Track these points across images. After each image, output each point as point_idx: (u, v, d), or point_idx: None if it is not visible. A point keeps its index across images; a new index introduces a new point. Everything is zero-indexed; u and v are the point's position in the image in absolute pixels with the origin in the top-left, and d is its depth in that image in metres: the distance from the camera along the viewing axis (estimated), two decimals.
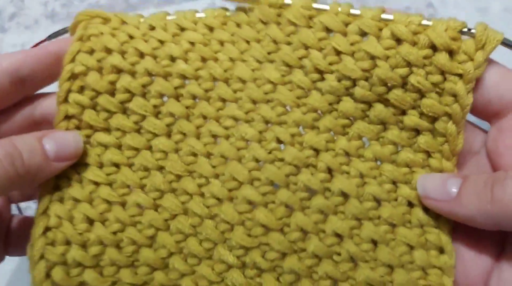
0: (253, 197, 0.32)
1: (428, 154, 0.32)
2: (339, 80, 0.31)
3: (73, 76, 0.32)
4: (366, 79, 0.31)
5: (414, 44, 0.30)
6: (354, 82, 0.31)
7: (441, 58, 0.30)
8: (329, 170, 0.32)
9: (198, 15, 0.34)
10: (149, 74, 0.33)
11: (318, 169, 0.32)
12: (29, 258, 0.32)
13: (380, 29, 0.31)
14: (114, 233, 0.32)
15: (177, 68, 0.32)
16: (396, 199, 0.32)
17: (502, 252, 0.31)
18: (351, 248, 0.32)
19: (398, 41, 0.30)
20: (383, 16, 0.31)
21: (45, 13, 0.65)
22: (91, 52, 0.32)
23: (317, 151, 0.32)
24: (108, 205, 0.33)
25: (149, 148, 0.33)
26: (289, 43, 0.32)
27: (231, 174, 0.32)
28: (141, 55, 0.33)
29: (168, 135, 0.33)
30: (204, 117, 0.33)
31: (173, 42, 0.33)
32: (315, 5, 0.32)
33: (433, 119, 0.31)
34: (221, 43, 0.33)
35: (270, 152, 0.32)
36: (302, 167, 0.32)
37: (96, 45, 0.32)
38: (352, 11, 0.31)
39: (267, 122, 0.32)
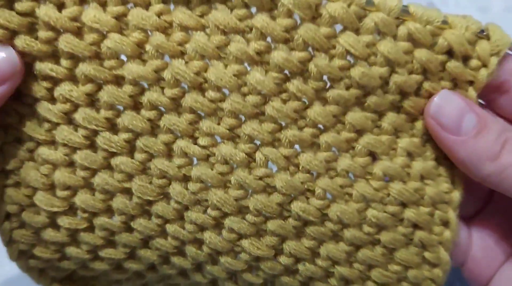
0: (242, 230, 0.29)
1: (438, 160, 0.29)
2: (348, 88, 0.27)
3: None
4: (381, 87, 0.27)
5: (431, 47, 0.27)
6: (366, 90, 0.27)
7: (457, 66, 0.27)
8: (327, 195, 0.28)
9: None
10: (91, 80, 0.26)
11: (316, 196, 0.28)
12: None
13: (397, 26, 0.26)
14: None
15: (129, 71, 0.25)
16: (401, 220, 0.29)
17: None
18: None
19: (413, 40, 0.27)
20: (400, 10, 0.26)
21: None
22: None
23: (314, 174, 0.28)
24: None
25: (108, 167, 0.28)
26: (286, 41, 0.25)
27: (214, 204, 0.28)
28: (75, 56, 0.26)
29: (131, 153, 0.27)
30: (172, 133, 0.27)
31: (117, 29, 0.25)
32: None
33: None
34: (186, 29, 0.25)
35: (260, 179, 0.27)
36: (297, 195, 0.28)
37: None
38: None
39: (255, 141, 0.27)
